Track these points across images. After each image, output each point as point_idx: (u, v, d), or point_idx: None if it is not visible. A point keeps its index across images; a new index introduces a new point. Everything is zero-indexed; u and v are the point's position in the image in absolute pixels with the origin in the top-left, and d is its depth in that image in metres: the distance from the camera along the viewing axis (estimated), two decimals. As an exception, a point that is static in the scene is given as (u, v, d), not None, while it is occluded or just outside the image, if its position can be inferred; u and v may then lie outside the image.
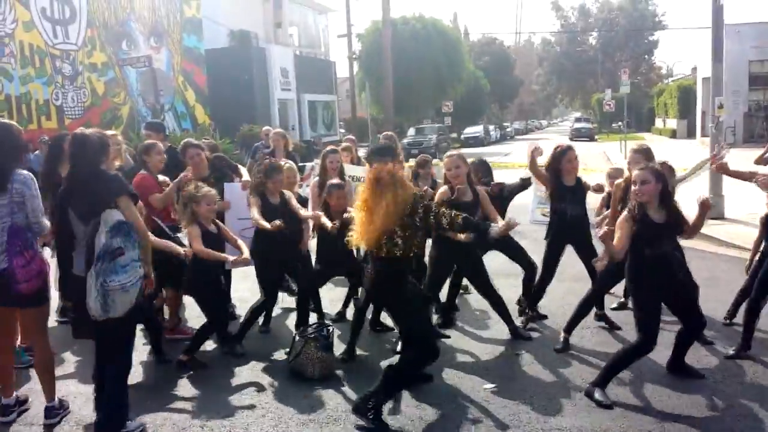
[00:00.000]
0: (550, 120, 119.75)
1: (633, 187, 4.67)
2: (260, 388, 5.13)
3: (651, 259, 4.59)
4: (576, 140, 42.78)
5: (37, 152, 14.13)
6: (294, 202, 6.08)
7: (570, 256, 6.20)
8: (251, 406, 4.78)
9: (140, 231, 4.24)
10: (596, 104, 59.12)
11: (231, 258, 5.39)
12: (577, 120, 57.20)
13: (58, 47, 20.00)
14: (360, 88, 37.86)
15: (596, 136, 47.94)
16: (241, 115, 25.27)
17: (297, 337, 5.40)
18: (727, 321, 6.13)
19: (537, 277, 6.25)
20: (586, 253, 6.03)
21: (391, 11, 31.43)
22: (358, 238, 4.45)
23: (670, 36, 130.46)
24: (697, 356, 5.32)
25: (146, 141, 6.51)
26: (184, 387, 5.18)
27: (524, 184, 6.52)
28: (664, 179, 4.65)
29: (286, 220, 5.65)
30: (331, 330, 5.50)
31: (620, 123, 39.44)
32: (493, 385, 4.98)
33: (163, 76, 20.20)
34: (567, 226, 6.03)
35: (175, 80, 25.44)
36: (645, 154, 5.66)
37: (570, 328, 5.78)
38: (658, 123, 50.93)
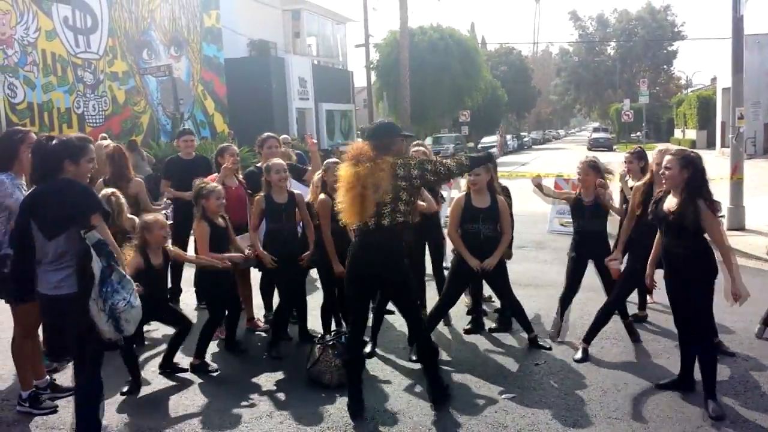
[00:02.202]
0: (567, 130, 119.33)
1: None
2: (278, 395, 5.13)
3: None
4: (594, 150, 42.58)
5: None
6: (302, 202, 6.07)
7: (589, 266, 6.17)
8: (269, 413, 4.78)
9: (116, 250, 4.00)
10: (614, 114, 58.87)
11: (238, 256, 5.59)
12: (595, 130, 56.96)
13: (79, 56, 20.24)
14: (377, 97, 37.98)
15: (615, 147, 47.71)
16: (259, 124, 25.28)
17: (316, 345, 5.41)
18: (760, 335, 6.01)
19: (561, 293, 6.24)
20: (604, 270, 5.96)
21: (408, 21, 31.51)
22: (350, 216, 4.46)
23: (689, 46, 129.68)
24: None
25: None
26: (201, 394, 5.20)
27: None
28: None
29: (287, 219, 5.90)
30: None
31: (639, 133, 39.25)
32: (512, 394, 4.96)
33: (183, 85, 20.37)
34: (586, 241, 6.01)
35: (194, 89, 25.65)
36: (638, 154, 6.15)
37: (589, 338, 5.74)
38: (677, 133, 50.58)
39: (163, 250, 5.39)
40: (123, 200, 5.83)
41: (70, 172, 3.94)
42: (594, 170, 5.92)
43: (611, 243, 6.03)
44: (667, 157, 4.65)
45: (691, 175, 4.50)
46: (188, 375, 5.53)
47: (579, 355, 5.65)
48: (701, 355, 4.68)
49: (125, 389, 5.10)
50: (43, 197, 3.90)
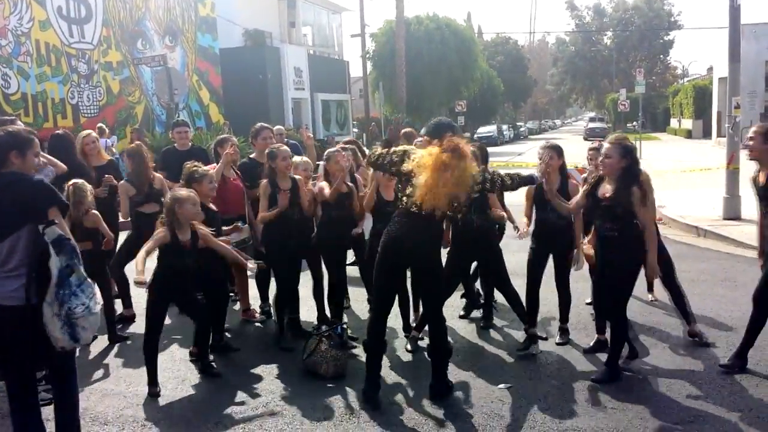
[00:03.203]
0: (564, 120, 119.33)
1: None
2: (273, 386, 5.13)
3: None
4: (591, 140, 42.58)
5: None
6: (303, 186, 6.03)
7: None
8: (265, 404, 4.78)
9: (77, 246, 3.58)
10: (611, 104, 58.84)
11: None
12: (592, 120, 56.99)
13: (74, 46, 20.11)
14: (373, 87, 37.83)
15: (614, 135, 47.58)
16: (255, 114, 25.16)
17: (311, 335, 5.41)
18: None
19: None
20: (561, 266, 5.82)
21: (404, 11, 31.43)
22: (426, 197, 4.45)
23: (685, 36, 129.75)
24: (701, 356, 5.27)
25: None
26: (197, 384, 5.20)
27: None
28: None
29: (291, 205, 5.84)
30: (345, 328, 5.52)
31: (635, 123, 39.25)
32: (507, 384, 4.96)
33: (178, 75, 20.18)
34: (548, 234, 5.71)
35: (189, 79, 25.51)
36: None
37: (603, 329, 5.62)
38: (674, 123, 50.62)
39: (192, 230, 5.12)
40: (86, 191, 5.83)
41: (15, 165, 3.53)
42: (557, 153, 5.58)
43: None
44: (606, 146, 4.91)
45: (629, 164, 4.78)
46: (184, 366, 5.52)
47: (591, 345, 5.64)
48: (612, 327, 5.01)
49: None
50: None
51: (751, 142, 4.89)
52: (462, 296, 6.73)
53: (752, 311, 5.03)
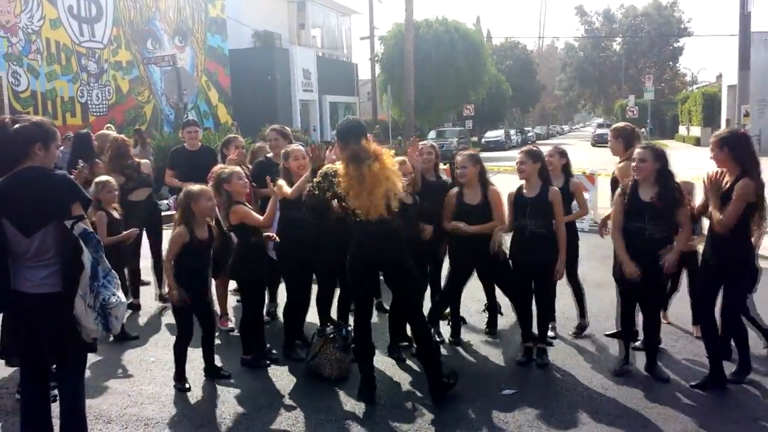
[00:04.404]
0: (572, 125, 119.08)
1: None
2: (277, 387, 5.12)
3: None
4: (598, 146, 42.49)
5: (62, 148, 14.31)
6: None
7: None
8: (269, 405, 4.77)
9: (100, 239, 3.69)
10: (619, 110, 58.63)
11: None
12: (600, 126, 56.77)
13: (84, 45, 20.21)
14: (381, 90, 37.89)
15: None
16: (263, 115, 25.33)
17: (315, 337, 5.39)
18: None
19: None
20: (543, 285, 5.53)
21: (414, 14, 31.44)
22: (363, 208, 4.58)
23: (695, 43, 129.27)
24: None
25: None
26: (200, 386, 5.20)
27: None
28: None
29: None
30: (349, 330, 5.48)
31: (643, 129, 39.16)
32: (512, 390, 4.94)
33: (187, 76, 20.25)
34: (526, 243, 5.35)
35: (198, 79, 25.60)
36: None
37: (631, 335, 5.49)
38: (682, 130, 50.41)
39: (208, 226, 5.07)
40: (113, 187, 6.09)
41: (38, 157, 3.54)
42: (533, 158, 5.33)
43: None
44: (638, 150, 4.98)
45: (663, 165, 4.88)
46: (187, 366, 5.52)
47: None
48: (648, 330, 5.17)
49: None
50: (14, 191, 3.47)
51: (642, 164, 4.90)
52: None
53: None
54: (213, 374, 5.27)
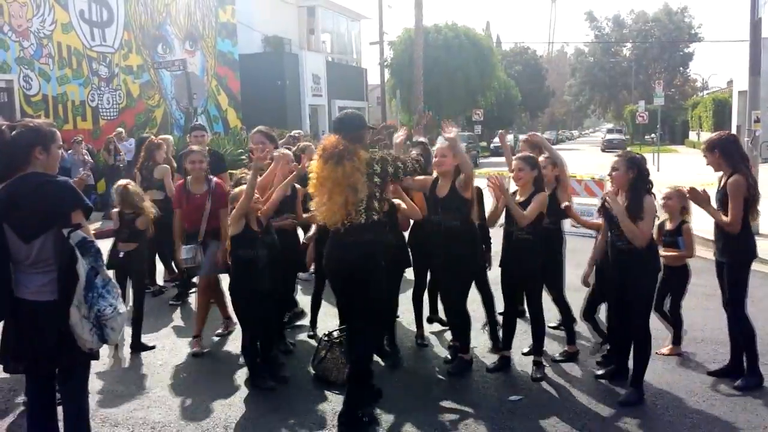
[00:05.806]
0: (581, 131, 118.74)
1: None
2: (283, 391, 5.11)
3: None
4: (608, 151, 42.36)
5: (70, 151, 14.46)
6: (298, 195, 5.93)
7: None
8: (275, 409, 4.78)
9: (100, 249, 3.59)
10: (629, 116, 58.53)
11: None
12: (609, 131, 56.62)
13: (95, 49, 20.35)
14: (391, 95, 37.94)
15: (629, 148, 47.29)
16: (272, 120, 25.34)
17: (322, 342, 5.39)
18: None
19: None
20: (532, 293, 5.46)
21: (423, 19, 31.46)
22: (325, 215, 4.42)
23: (705, 48, 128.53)
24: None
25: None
26: (206, 387, 5.21)
27: None
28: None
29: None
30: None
31: (653, 135, 38.99)
32: (518, 397, 4.93)
33: (197, 80, 20.41)
34: (515, 252, 5.34)
35: (208, 84, 25.73)
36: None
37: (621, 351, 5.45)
38: (692, 136, 50.23)
39: (257, 219, 5.12)
40: (138, 192, 6.11)
41: (40, 161, 3.52)
42: (528, 164, 5.29)
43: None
44: (614, 158, 4.91)
45: (636, 175, 4.75)
46: (192, 371, 5.53)
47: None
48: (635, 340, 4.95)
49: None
50: (15, 197, 3.44)
51: (615, 172, 4.84)
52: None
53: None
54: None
